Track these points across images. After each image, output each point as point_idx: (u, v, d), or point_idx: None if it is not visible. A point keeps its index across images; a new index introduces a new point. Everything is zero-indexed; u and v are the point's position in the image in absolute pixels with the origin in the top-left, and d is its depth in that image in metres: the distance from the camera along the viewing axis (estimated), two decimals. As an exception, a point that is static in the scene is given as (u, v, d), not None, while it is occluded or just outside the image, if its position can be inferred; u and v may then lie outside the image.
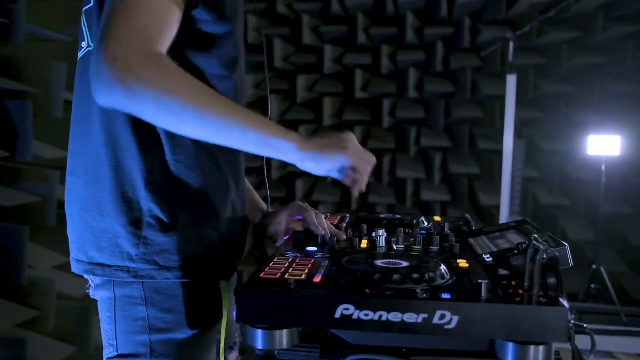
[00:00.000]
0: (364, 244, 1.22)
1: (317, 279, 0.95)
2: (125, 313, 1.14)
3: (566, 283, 0.89)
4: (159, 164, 1.11)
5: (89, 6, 1.18)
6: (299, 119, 4.20)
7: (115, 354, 1.15)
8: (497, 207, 3.64)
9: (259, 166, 4.14)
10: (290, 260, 1.06)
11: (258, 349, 0.92)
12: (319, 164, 1.10)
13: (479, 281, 0.86)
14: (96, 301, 1.20)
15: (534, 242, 0.92)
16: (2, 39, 2.14)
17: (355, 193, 1.20)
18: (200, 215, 1.14)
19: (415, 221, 1.44)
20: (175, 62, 0.99)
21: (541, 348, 0.84)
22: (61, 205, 1.18)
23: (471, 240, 1.27)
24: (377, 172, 4.17)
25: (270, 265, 1.03)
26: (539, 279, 0.87)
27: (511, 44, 3.10)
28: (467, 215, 1.48)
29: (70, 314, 2.36)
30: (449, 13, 4.04)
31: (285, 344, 0.90)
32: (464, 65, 4.02)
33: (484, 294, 0.86)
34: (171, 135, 1.09)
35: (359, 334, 0.93)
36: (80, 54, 1.20)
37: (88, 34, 1.18)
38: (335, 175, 1.15)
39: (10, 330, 2.25)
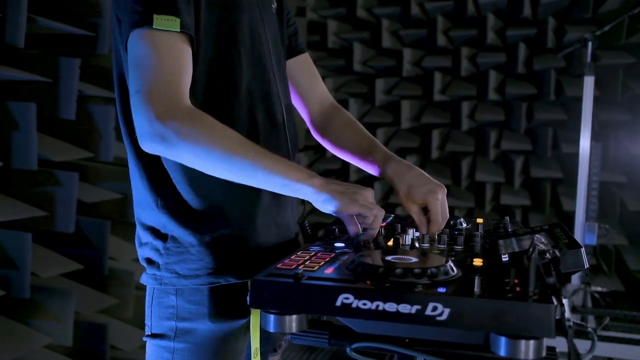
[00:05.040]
0: (390, 242, 1.27)
1: (329, 270, 1.02)
2: (160, 300, 1.29)
3: None
4: (167, 188, 1.26)
5: None
6: (378, 122, 4.25)
7: (150, 332, 1.31)
8: (580, 212, 3.54)
9: (337, 168, 4.25)
10: (311, 254, 1.14)
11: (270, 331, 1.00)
12: (330, 206, 1.20)
13: (473, 276, 0.90)
14: None
15: (535, 241, 0.94)
16: (89, 49, 2.34)
17: (361, 239, 1.25)
18: (217, 228, 1.26)
19: (452, 222, 1.47)
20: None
21: (531, 342, 0.86)
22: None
23: (500, 241, 1.29)
24: (455, 176, 4.16)
25: (292, 257, 1.11)
26: (533, 277, 0.89)
27: (589, 44, 3.01)
28: (507, 218, 1.50)
29: (147, 303, 2.54)
30: (532, 13, 3.96)
31: (294, 328, 0.98)
32: (548, 67, 3.93)
33: (476, 288, 0.89)
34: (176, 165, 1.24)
35: (365, 323, 0.98)
36: None
37: None
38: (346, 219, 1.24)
39: (93, 316, 2.45)
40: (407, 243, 1.23)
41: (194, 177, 1.23)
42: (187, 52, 1.17)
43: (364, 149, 1.50)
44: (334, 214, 1.22)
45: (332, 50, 4.34)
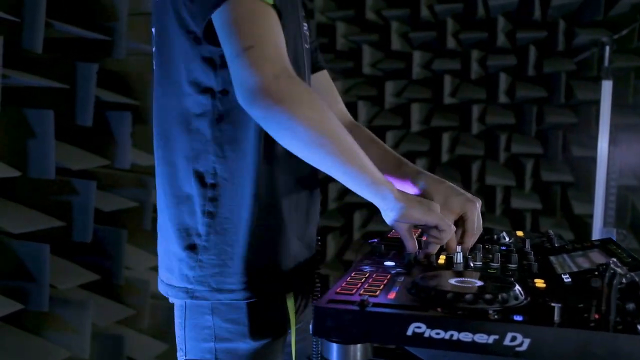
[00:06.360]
0: (442, 259, 1.23)
1: (391, 295, 0.97)
2: (194, 321, 1.23)
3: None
4: (213, 196, 1.20)
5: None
6: (387, 125, 4.21)
7: (184, 358, 1.25)
8: (592, 217, 3.51)
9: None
10: (366, 276, 1.09)
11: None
12: (410, 215, 1.17)
13: (552, 304, 0.86)
14: None
15: (612, 265, 0.90)
16: (105, 54, 2.29)
17: (421, 256, 1.23)
18: (257, 240, 1.21)
19: (495, 236, 1.43)
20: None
21: (616, 375, 0.82)
22: (156, 210, 1.32)
23: (552, 258, 1.25)
24: (465, 179, 4.12)
25: (348, 280, 1.06)
26: (615, 305, 0.86)
27: (607, 48, 2.97)
28: (550, 232, 1.46)
29: (163, 313, 2.50)
30: (542, 15, 3.92)
31: (359, 358, 0.93)
32: (558, 70, 3.89)
33: (556, 317, 0.85)
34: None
35: (433, 351, 0.94)
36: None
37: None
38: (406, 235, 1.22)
39: (110, 327, 2.40)
40: (459, 261, 1.19)
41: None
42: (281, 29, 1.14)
43: (391, 164, 1.47)
44: (399, 224, 1.19)
45: (341, 52, 4.29)
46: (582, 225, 3.90)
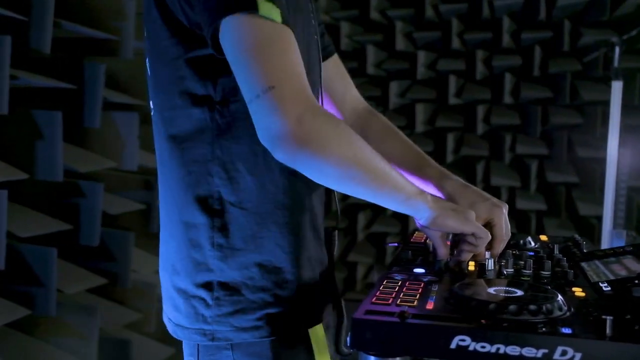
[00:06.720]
0: (471, 266, 1.19)
1: (429, 305, 0.94)
2: (210, 357, 1.12)
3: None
4: (221, 225, 1.10)
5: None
6: (391, 126, 4.18)
7: None
8: (597, 218, 3.49)
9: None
10: (399, 284, 1.05)
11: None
12: (445, 223, 1.13)
13: (603, 316, 0.83)
14: None
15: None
16: (112, 54, 2.24)
17: (452, 263, 1.18)
18: (273, 271, 1.12)
19: (522, 241, 1.40)
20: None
21: (672, 390, 0.79)
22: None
23: (584, 265, 1.22)
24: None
25: (380, 289, 1.03)
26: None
27: (617, 49, 2.95)
28: (577, 236, 1.43)
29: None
30: (547, 15, 3.90)
31: (397, 371, 0.90)
32: (564, 70, 3.87)
33: (608, 330, 0.82)
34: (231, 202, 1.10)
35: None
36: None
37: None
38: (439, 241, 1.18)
39: (116, 332, 2.36)
40: (490, 268, 1.15)
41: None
42: (297, 45, 1.01)
43: (412, 162, 1.39)
44: (432, 231, 1.15)
45: (345, 52, 4.26)
46: (588, 226, 3.88)
